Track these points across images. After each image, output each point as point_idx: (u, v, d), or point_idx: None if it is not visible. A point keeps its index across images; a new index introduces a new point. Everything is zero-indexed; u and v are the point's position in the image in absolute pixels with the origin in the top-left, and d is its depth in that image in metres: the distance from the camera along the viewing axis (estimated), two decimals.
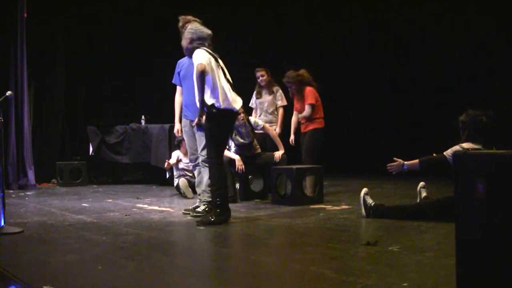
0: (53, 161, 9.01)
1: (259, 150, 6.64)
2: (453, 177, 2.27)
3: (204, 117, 4.68)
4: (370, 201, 4.89)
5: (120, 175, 9.65)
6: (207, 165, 4.98)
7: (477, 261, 2.16)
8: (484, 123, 4.52)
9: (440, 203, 4.65)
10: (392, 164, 4.90)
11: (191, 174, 6.91)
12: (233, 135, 6.38)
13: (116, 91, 10.41)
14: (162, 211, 5.69)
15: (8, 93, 4.69)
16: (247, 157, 6.51)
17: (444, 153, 4.62)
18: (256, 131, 6.61)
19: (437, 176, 6.72)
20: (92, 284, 2.82)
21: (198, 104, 4.70)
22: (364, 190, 4.97)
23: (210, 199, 4.96)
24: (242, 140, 6.48)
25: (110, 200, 6.72)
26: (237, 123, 5.96)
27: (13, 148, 8.20)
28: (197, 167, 5.30)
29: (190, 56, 4.85)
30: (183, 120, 5.43)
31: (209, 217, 4.73)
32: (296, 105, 6.73)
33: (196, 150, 5.26)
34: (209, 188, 4.97)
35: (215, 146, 4.78)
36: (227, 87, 4.74)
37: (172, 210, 5.73)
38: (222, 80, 4.74)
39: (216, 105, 4.65)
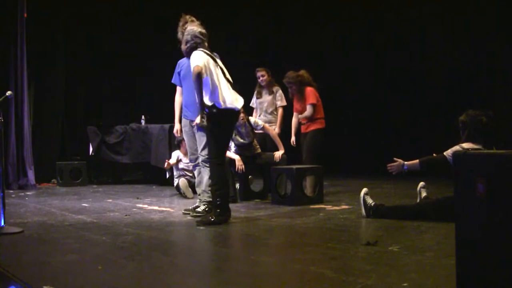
0: (53, 161, 9.01)
1: (259, 150, 6.65)
2: (453, 177, 2.27)
3: (205, 119, 4.68)
4: (370, 201, 4.89)
5: (120, 175, 9.65)
6: (207, 165, 4.99)
7: (477, 261, 2.16)
8: (484, 123, 4.52)
9: (440, 203, 4.65)
10: (392, 164, 4.90)
11: (191, 174, 6.91)
12: (233, 135, 6.38)
13: (116, 91, 10.41)
14: (162, 211, 5.69)
15: (8, 93, 4.69)
16: (247, 157, 6.51)
17: (444, 153, 4.62)
18: (256, 131, 6.61)
19: (437, 176, 6.72)
20: (92, 284, 2.82)
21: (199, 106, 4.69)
22: (364, 190, 4.97)
23: (210, 199, 4.96)
24: (242, 140, 6.48)
25: (110, 200, 6.72)
26: (237, 123, 5.96)
27: (13, 148, 8.20)
28: (197, 167, 5.30)
29: (189, 57, 4.85)
30: (183, 120, 5.43)
31: (209, 217, 4.73)
32: (296, 105, 6.73)
33: (196, 150, 5.26)
34: (209, 188, 4.97)
35: (216, 147, 4.78)
36: (227, 87, 4.74)
37: (172, 210, 5.72)
38: (221, 80, 4.74)
39: (217, 106, 4.65)
